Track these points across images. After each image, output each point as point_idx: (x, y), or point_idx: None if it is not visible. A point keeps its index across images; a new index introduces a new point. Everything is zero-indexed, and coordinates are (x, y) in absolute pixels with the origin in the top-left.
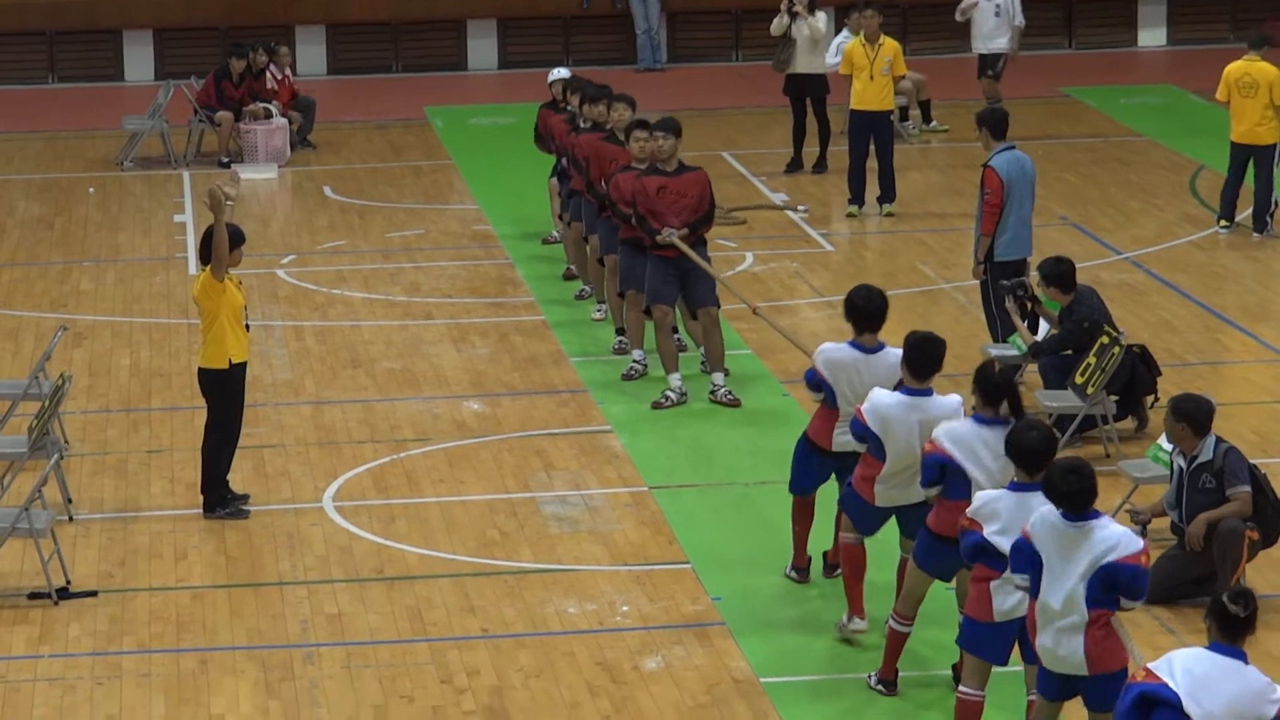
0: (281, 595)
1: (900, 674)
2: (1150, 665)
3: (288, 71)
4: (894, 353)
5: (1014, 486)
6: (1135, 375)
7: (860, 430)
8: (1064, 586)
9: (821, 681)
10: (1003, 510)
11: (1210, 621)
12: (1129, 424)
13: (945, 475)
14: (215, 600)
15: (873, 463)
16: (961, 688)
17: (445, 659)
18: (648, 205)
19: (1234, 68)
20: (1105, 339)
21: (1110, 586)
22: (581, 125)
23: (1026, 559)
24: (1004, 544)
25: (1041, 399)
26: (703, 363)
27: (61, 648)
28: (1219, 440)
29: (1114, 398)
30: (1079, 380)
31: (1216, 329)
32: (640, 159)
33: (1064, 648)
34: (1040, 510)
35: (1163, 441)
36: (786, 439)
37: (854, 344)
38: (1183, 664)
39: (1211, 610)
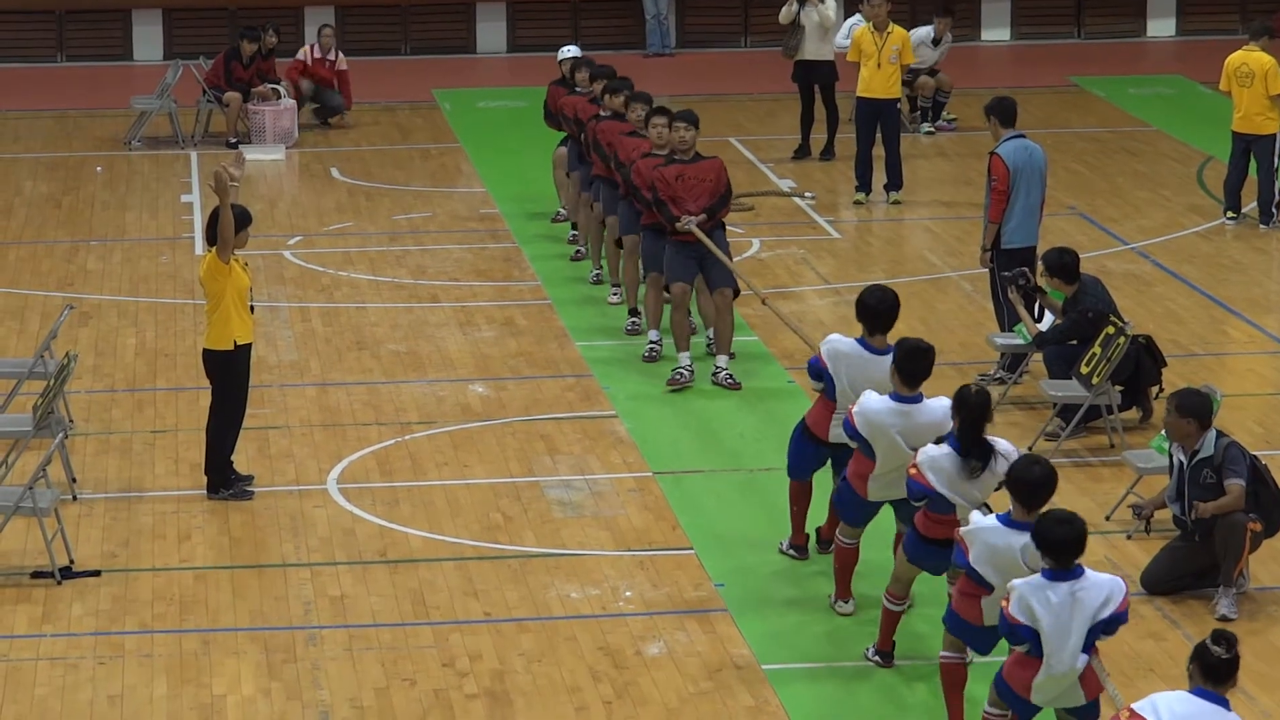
0: (284, 577)
1: (897, 653)
2: (1134, 706)
3: (330, 55)
4: None
5: (1004, 520)
6: (1140, 366)
7: (851, 432)
8: (1066, 651)
9: (823, 667)
10: (987, 543)
11: (1193, 666)
12: (1133, 414)
13: (929, 496)
14: (218, 581)
15: (864, 461)
16: (944, 653)
17: (448, 642)
18: (668, 192)
19: (1234, 58)
20: (1111, 329)
21: (1101, 634)
22: (602, 114)
23: (1021, 635)
24: (987, 573)
25: (1046, 388)
26: (709, 344)
27: (64, 627)
28: (1220, 434)
29: (1119, 388)
30: (1084, 370)
31: (1222, 320)
32: (659, 145)
33: (1066, 697)
34: (1018, 586)
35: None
36: (791, 424)
37: (862, 342)
38: (1167, 706)
39: (1195, 654)
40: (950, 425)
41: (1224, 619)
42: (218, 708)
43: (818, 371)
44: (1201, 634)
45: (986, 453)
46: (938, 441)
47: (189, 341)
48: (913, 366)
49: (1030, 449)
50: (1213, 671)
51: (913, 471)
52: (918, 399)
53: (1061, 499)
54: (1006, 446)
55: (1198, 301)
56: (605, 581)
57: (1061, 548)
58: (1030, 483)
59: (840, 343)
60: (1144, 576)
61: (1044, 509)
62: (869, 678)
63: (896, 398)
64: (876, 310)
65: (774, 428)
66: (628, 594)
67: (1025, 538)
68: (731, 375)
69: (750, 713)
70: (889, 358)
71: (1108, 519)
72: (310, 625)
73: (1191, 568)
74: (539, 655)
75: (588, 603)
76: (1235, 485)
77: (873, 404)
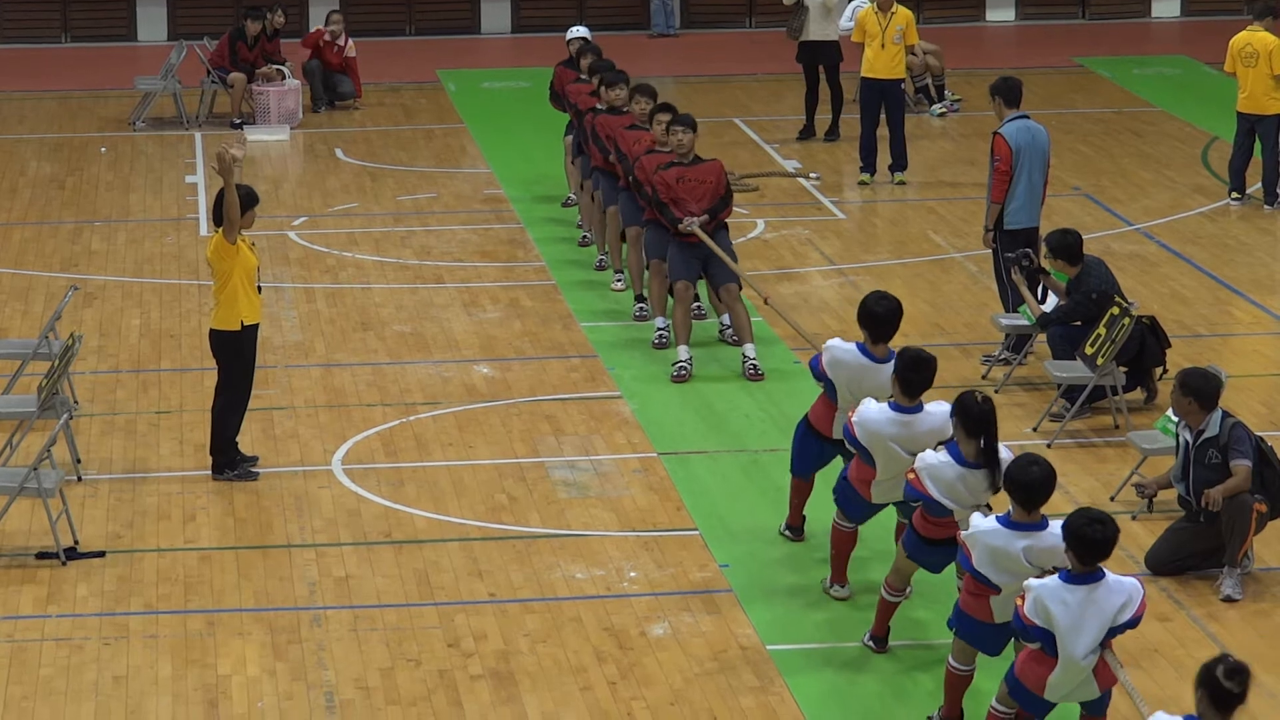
0: (289, 557)
1: (896, 643)
2: None
3: (340, 41)
4: None
5: (1004, 521)
6: (1145, 346)
7: (851, 440)
8: (1080, 651)
9: (826, 649)
10: (988, 546)
11: (1201, 693)
12: (1138, 395)
13: (924, 500)
14: (223, 562)
15: (866, 468)
16: (952, 662)
17: (452, 623)
18: (669, 194)
19: (1238, 38)
20: (1115, 310)
21: (1117, 633)
22: (599, 107)
23: (1034, 635)
24: (991, 574)
25: (1051, 369)
26: (724, 331)
27: (69, 608)
28: (1225, 415)
29: (1123, 369)
30: (1089, 351)
31: (1227, 301)
32: (662, 141)
33: (1080, 691)
34: (1035, 588)
35: (1171, 413)
36: (796, 406)
37: (863, 349)
38: None
39: (1204, 682)
40: (950, 431)
41: (1229, 599)
42: (223, 688)
43: (819, 373)
44: (1208, 616)
45: (995, 463)
46: (937, 446)
47: (194, 322)
48: (914, 377)
49: (1035, 429)
50: (1223, 703)
51: (910, 477)
52: (917, 409)
53: (1066, 479)
54: (1005, 453)
55: (1202, 282)
56: (610, 562)
57: (1091, 548)
58: (1029, 484)
59: (841, 350)
60: (1149, 557)
61: (1043, 508)
62: (872, 661)
63: (896, 407)
64: (882, 318)
65: (778, 409)
66: (632, 575)
67: (1027, 539)
68: (756, 366)
69: (755, 693)
70: (889, 366)
71: (1112, 499)
72: (315, 606)
73: (1196, 548)
74: (544, 636)
75: (592, 583)
76: (1241, 466)
77: (872, 414)
